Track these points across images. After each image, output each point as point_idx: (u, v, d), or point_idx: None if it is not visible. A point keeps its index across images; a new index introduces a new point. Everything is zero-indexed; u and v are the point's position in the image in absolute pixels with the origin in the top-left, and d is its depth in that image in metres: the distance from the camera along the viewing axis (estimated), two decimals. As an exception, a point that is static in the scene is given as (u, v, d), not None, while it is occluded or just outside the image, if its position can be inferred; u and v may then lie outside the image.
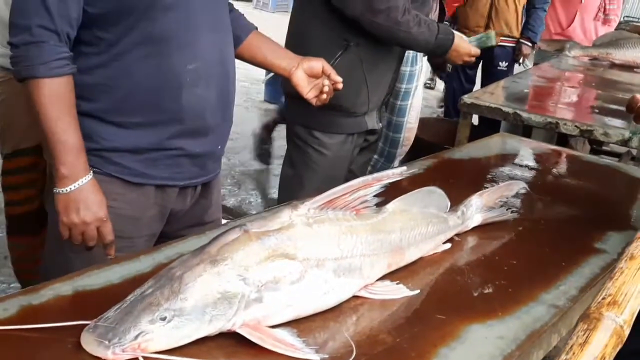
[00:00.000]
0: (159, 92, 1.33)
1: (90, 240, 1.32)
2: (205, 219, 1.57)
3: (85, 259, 1.31)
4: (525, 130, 3.08)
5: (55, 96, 1.25)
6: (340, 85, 1.62)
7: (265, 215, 1.06)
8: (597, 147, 4.23)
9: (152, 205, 1.43)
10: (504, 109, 2.55)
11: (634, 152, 3.62)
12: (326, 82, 1.59)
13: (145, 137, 1.36)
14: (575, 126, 2.43)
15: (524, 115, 2.50)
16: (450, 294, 1.18)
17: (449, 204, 1.32)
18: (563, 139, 3.38)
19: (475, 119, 3.09)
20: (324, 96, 1.60)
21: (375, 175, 1.11)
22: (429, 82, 6.36)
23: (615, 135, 2.37)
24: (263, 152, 3.87)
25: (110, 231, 1.33)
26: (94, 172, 1.32)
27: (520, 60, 4.24)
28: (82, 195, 1.29)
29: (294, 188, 2.07)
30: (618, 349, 0.87)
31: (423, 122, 3.19)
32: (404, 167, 1.12)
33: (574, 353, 0.81)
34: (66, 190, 1.28)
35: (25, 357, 0.87)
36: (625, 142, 2.36)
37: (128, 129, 1.34)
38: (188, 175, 1.45)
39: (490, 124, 3.39)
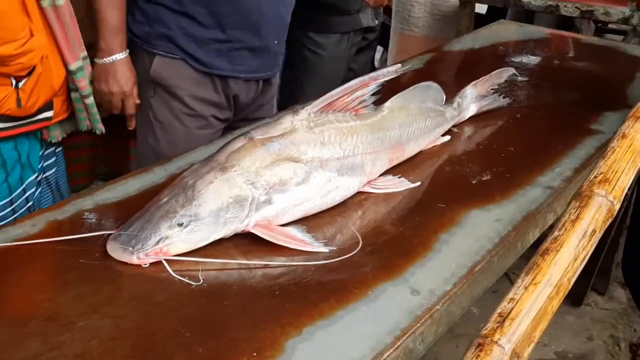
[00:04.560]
0: None
1: (115, 109, 1.52)
2: (261, 114, 1.70)
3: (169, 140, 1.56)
4: (528, 17, 3.02)
5: None
6: None
7: (268, 122, 1.10)
8: (602, 25, 4.15)
9: (219, 93, 1.57)
10: (503, -6, 2.51)
11: (640, 29, 3.56)
12: None
13: (209, 29, 1.49)
14: (576, 7, 2.39)
15: (524, -1, 2.47)
16: (450, 183, 1.23)
17: (444, 97, 1.34)
18: (568, 22, 3.32)
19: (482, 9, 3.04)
20: None
21: (372, 74, 1.13)
22: None
23: (616, 14, 2.34)
24: None
25: (132, 105, 1.53)
26: (169, 57, 1.50)
27: None
28: (113, 68, 1.48)
29: (294, 91, 2.10)
30: (609, 223, 0.93)
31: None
32: (399, 65, 1.14)
33: (565, 229, 0.86)
34: (102, 61, 1.47)
35: (57, 268, 0.94)
36: (626, 21, 2.34)
37: (193, 20, 1.49)
38: (249, 68, 1.58)
39: (499, 13, 3.32)
